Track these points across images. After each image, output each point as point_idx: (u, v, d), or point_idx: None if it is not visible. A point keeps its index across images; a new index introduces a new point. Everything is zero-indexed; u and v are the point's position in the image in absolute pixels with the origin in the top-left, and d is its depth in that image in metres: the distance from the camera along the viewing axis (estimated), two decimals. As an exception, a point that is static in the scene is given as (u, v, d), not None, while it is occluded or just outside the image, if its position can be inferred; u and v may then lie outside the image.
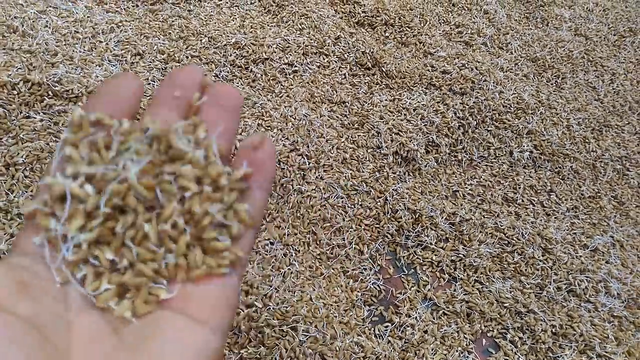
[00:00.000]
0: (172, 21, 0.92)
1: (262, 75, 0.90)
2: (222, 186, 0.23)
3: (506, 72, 1.06)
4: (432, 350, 0.68)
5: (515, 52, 1.14)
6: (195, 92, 0.25)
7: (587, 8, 1.36)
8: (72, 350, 0.19)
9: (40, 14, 0.85)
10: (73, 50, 0.80)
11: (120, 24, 0.88)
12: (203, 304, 0.21)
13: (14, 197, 0.65)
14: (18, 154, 0.67)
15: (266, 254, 0.70)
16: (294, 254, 0.72)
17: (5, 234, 0.62)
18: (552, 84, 1.12)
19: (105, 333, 0.21)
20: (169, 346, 0.20)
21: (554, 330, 0.74)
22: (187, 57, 0.86)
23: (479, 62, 1.00)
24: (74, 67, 0.77)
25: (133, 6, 0.95)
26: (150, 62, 0.84)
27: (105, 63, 0.81)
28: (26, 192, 0.65)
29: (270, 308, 0.62)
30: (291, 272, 0.69)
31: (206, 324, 0.21)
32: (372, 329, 0.70)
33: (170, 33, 0.90)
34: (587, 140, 1.01)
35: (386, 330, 0.70)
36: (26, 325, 0.19)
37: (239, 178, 0.23)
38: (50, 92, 0.73)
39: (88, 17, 0.87)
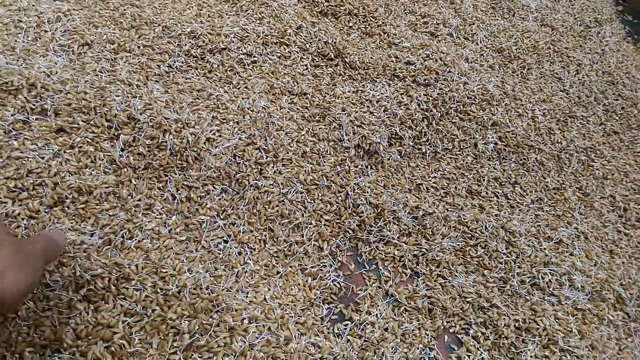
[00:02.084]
0: (124, 10, 0.87)
1: (219, 66, 0.86)
2: None
3: (471, 63, 1.04)
4: (392, 348, 0.66)
5: (481, 42, 1.13)
6: None
7: (553, -2, 1.35)
8: None
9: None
10: (15, 40, 0.76)
11: (67, 13, 0.83)
12: None
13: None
14: (-48, 149, 0.63)
15: (219, 253, 0.67)
16: (249, 253, 0.69)
17: None
18: (517, 75, 1.10)
19: None
20: None
21: (517, 324, 0.73)
22: (138, 47, 0.83)
23: (443, 52, 0.98)
24: (16, 58, 0.73)
25: (83, -6, 0.90)
26: (99, 52, 0.80)
27: (50, 54, 0.76)
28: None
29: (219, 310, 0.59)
30: (245, 272, 0.67)
31: None
32: (331, 328, 0.67)
33: (121, 22, 0.85)
34: (552, 132, 1.00)
35: (345, 329, 0.68)
36: None
37: None
38: (-12, 84, 0.69)
39: (33, 5, 0.82)
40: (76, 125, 0.69)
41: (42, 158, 0.65)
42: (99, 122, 0.70)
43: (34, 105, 0.69)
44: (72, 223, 0.62)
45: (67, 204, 0.63)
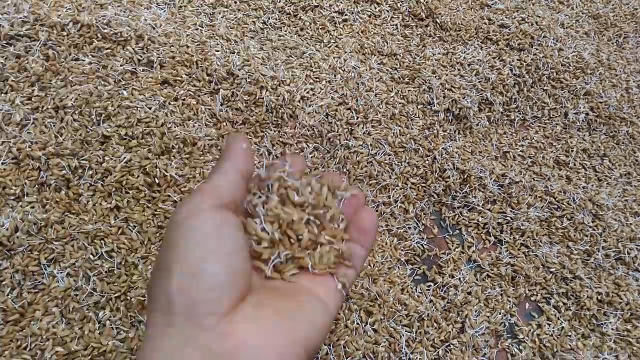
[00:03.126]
0: (220, -37, 0.89)
1: (310, 24, 0.87)
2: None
3: (567, 28, 1.00)
4: (475, 311, 0.68)
5: (576, 7, 1.07)
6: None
7: (656, -40, 1.26)
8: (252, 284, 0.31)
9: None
10: (121, -8, 0.79)
11: (168, -34, 0.85)
12: (326, 292, 0.33)
13: (63, 140, 0.65)
14: (67, 96, 0.67)
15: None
16: (340, 210, 0.71)
17: (57, 178, 0.63)
18: (613, 44, 1.05)
19: (265, 284, 0.33)
20: (307, 302, 0.32)
21: (599, 297, 0.73)
22: (235, 2, 0.84)
23: (539, 16, 0.95)
24: (123, 10, 0.76)
25: (180, -54, 0.92)
26: (199, 6, 0.82)
27: (154, 6, 0.79)
28: (74, 135, 0.65)
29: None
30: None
31: (326, 305, 0.32)
32: (415, 287, 0.69)
33: (218, -24, 0.87)
34: (646, 104, 0.96)
35: (429, 289, 0.70)
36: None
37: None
38: (99, 35, 0.72)
39: (135, -43, 0.84)
40: (179, 78, 0.72)
41: (150, 108, 0.68)
42: (200, 76, 0.73)
43: (141, 57, 0.72)
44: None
45: (173, 153, 0.67)
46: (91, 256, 0.61)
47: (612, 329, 0.71)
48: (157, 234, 0.64)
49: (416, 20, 0.94)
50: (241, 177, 0.33)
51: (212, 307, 0.27)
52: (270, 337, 0.28)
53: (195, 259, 0.28)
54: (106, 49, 0.72)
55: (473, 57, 0.87)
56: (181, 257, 0.28)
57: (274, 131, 0.73)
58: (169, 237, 0.29)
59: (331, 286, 0.34)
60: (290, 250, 0.34)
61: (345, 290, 0.35)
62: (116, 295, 0.60)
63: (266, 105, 0.73)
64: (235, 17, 0.82)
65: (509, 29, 0.92)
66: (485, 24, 0.93)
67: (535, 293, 0.73)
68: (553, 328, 0.70)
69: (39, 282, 0.59)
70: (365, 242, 0.36)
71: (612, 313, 0.72)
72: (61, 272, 0.60)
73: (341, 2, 0.89)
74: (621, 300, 0.73)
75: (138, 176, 0.65)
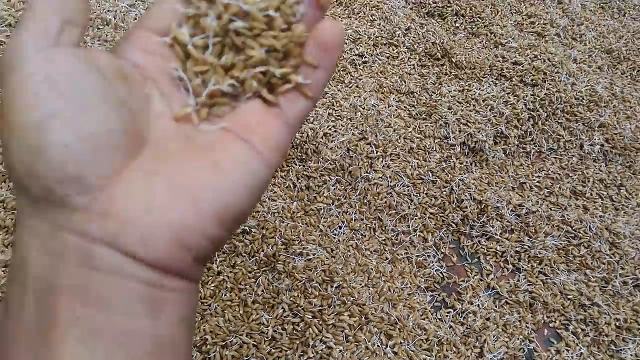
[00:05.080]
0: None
1: (333, 66, 0.93)
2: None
3: (579, 63, 1.04)
4: (493, 337, 0.70)
5: (589, 43, 1.12)
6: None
7: (669, -4, 1.30)
8: (150, 130, 0.24)
9: (130, 7, 0.91)
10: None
11: (201, 16, 0.93)
12: (263, 138, 0.24)
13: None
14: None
15: (334, 237, 0.74)
16: (360, 239, 0.75)
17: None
18: (627, 77, 1.08)
19: (178, 134, 0.24)
20: (229, 158, 0.23)
21: (618, 323, 0.74)
22: (263, 48, 0.91)
23: (551, 53, 0.99)
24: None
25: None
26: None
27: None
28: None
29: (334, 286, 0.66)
30: (357, 255, 0.73)
31: (262, 156, 0.24)
32: (435, 313, 0.72)
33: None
34: (662, 135, 0.98)
35: (448, 315, 0.72)
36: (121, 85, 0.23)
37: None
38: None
39: (173, 9, 0.93)
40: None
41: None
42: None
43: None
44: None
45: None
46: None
47: (631, 354, 0.72)
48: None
49: (432, 60, 0.99)
50: None
51: (74, 187, 0.20)
52: (167, 213, 0.21)
53: (33, 128, 0.20)
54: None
55: (487, 93, 0.92)
56: (15, 127, 0.20)
57: (299, 165, 0.78)
58: None
59: (274, 124, 0.25)
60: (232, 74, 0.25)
61: (293, 126, 0.26)
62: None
63: (292, 142, 0.79)
64: (263, 62, 0.89)
65: (522, 66, 0.96)
66: (499, 61, 0.98)
67: (553, 319, 0.75)
68: (572, 354, 0.72)
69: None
70: (326, 62, 0.27)
71: (630, 339, 0.73)
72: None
73: (361, 46, 0.95)
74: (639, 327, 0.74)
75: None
